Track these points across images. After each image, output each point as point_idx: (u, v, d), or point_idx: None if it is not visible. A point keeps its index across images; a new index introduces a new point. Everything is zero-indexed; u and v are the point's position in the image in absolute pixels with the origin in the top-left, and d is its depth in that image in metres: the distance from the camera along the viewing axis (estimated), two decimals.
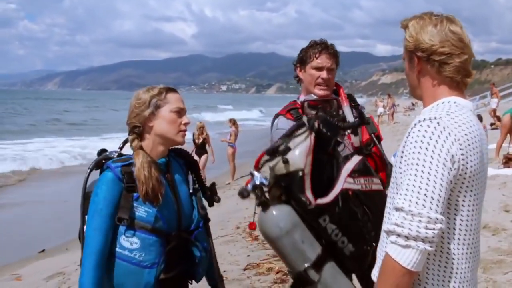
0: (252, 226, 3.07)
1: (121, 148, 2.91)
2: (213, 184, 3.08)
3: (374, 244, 2.84)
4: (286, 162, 2.86)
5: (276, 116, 3.52)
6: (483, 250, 6.59)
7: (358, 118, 3.39)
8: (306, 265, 2.87)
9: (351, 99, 3.57)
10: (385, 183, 3.34)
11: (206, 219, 3.01)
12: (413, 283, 2.07)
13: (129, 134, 2.82)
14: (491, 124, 22.93)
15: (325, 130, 2.98)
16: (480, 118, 19.19)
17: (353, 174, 2.95)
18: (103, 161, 2.82)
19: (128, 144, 2.86)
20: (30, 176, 17.92)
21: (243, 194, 2.84)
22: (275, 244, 2.94)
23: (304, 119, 3.04)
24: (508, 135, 14.41)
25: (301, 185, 2.85)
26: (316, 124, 2.96)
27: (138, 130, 2.80)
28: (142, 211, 2.68)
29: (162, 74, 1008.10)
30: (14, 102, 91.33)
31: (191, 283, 3.04)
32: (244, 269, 6.66)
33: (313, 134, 2.93)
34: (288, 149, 2.89)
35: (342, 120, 3.19)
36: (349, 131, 3.31)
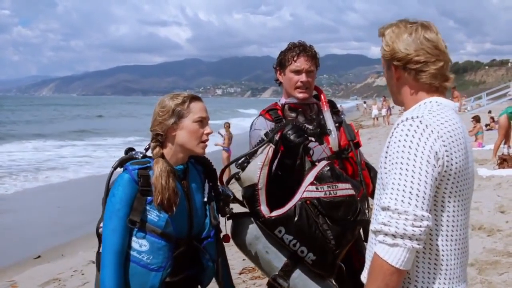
0: (226, 239, 3.15)
1: (146, 150, 2.91)
2: (227, 196, 3.08)
3: (337, 251, 2.96)
4: (238, 179, 3.03)
5: (257, 116, 3.56)
6: (479, 251, 6.60)
7: (320, 128, 3.40)
8: (274, 273, 3.02)
9: (331, 105, 3.60)
10: (370, 186, 3.43)
11: (217, 229, 3.01)
12: (403, 281, 2.09)
13: (151, 141, 2.84)
14: (486, 125, 23.01)
15: (293, 137, 3.06)
16: (477, 119, 19.34)
17: (316, 181, 2.99)
18: (127, 160, 2.83)
19: None
20: (27, 183, 17.83)
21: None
22: (244, 254, 3.16)
23: (261, 132, 3.13)
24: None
25: (255, 199, 2.98)
26: (276, 137, 3.04)
27: (161, 138, 2.81)
28: (154, 215, 2.72)
29: (158, 78, 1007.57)
30: (11, 108, 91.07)
31: None
32: (240, 273, 6.66)
33: (272, 146, 3.03)
34: (247, 163, 3.02)
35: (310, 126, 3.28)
36: (313, 139, 3.34)
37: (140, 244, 2.71)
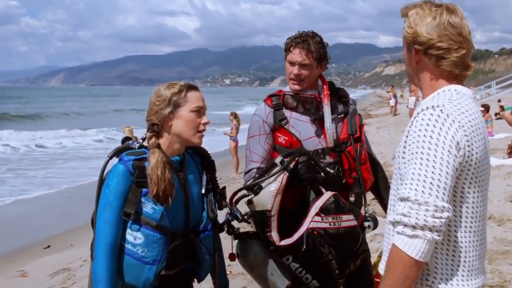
0: (231, 258, 3.23)
1: (143, 139, 2.86)
2: (223, 189, 3.05)
3: (340, 280, 3.11)
4: (250, 203, 3.06)
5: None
6: (489, 241, 6.54)
7: (337, 171, 3.32)
8: None
9: (341, 94, 3.54)
10: (368, 182, 3.41)
11: (215, 222, 2.98)
12: (422, 273, 2.06)
13: (147, 131, 2.79)
14: (496, 114, 22.87)
15: (302, 172, 3.11)
16: (487, 107, 19.20)
17: (321, 212, 3.05)
18: (124, 150, 2.78)
19: None
20: (35, 172, 17.92)
21: (219, 229, 3.05)
22: (248, 273, 3.27)
23: (278, 159, 3.12)
24: None
25: (267, 225, 3.04)
26: (291, 165, 3.07)
27: (157, 128, 2.76)
28: (149, 207, 2.66)
29: (166, 68, 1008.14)
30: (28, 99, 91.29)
31: (194, 282, 3.03)
32: None
33: (286, 174, 3.06)
34: (260, 189, 3.05)
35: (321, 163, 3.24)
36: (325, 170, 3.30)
37: (134, 237, 2.66)
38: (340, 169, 3.33)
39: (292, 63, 3.38)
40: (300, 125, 3.38)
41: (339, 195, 3.19)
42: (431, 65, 2.14)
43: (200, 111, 2.80)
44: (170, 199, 2.68)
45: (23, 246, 9.26)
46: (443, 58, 2.10)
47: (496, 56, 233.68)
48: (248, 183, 3.15)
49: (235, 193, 3.13)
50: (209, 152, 3.05)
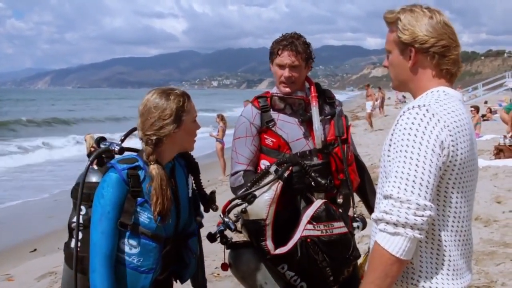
0: (224, 268, 3.23)
1: (122, 141, 2.82)
2: (213, 193, 3.02)
3: (334, 287, 3.14)
4: (244, 212, 3.05)
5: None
6: (475, 242, 6.59)
7: (330, 182, 3.24)
8: None
9: (327, 95, 3.52)
10: (354, 183, 3.41)
11: (200, 225, 2.99)
12: (407, 271, 2.07)
13: (146, 145, 2.67)
14: (483, 116, 23.03)
15: (294, 182, 3.12)
16: (477, 109, 19.34)
17: (313, 220, 3.07)
18: (104, 153, 2.73)
19: (131, 136, 2.84)
20: (22, 175, 17.81)
21: (211, 238, 3.07)
22: (242, 283, 3.28)
23: (272, 168, 3.11)
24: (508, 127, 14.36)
25: (261, 234, 3.05)
26: (285, 174, 3.08)
27: (159, 143, 2.67)
28: (144, 216, 2.62)
29: (153, 71, 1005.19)
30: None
31: (176, 282, 3.02)
32: None
33: (280, 183, 3.06)
34: (253, 198, 3.04)
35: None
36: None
37: (130, 247, 2.62)
38: (332, 181, 3.29)
39: (282, 66, 3.36)
40: (287, 126, 3.37)
41: (329, 203, 3.19)
42: (431, 64, 2.15)
43: (195, 119, 2.79)
44: (169, 215, 2.66)
45: (9, 250, 9.20)
46: (444, 56, 2.13)
47: (483, 58, 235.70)
48: (240, 192, 3.12)
49: (229, 202, 3.10)
50: (192, 155, 3.02)
